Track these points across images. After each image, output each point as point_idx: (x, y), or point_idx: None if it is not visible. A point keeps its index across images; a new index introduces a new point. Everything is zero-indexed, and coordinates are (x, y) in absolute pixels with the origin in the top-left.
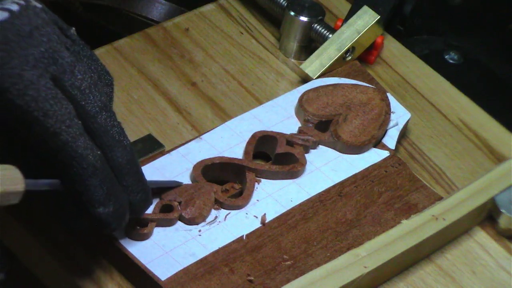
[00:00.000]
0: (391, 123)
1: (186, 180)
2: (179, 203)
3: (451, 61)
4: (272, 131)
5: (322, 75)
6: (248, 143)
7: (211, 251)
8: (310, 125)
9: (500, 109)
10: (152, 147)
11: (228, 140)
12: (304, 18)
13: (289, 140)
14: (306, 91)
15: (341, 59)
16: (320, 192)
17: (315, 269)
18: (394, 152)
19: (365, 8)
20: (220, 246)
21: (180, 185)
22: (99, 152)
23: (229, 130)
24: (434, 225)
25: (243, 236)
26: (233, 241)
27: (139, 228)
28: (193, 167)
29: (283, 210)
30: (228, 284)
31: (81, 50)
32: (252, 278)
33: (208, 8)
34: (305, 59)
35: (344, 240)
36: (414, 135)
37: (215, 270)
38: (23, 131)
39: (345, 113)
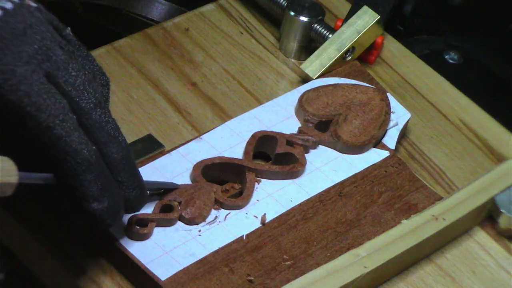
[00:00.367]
0: (391, 123)
1: (186, 180)
2: (179, 203)
3: (451, 61)
4: (272, 131)
5: (322, 75)
6: (248, 143)
7: (211, 251)
8: (310, 125)
9: (500, 109)
10: (152, 147)
11: (228, 140)
12: (304, 18)
13: (289, 140)
14: (306, 91)
15: (341, 59)
16: (320, 192)
17: (315, 269)
18: (394, 152)
19: (365, 8)
20: (220, 246)
21: (177, 188)
22: (94, 147)
23: (229, 130)
24: (434, 225)
25: (243, 236)
26: (233, 241)
27: (139, 228)
28: (193, 167)
29: (283, 210)
30: (228, 284)
31: (76, 50)
32: (252, 278)
33: (208, 8)
34: (305, 59)
35: (344, 240)
36: (414, 135)
37: (215, 270)
38: (17, 127)
39: (345, 113)
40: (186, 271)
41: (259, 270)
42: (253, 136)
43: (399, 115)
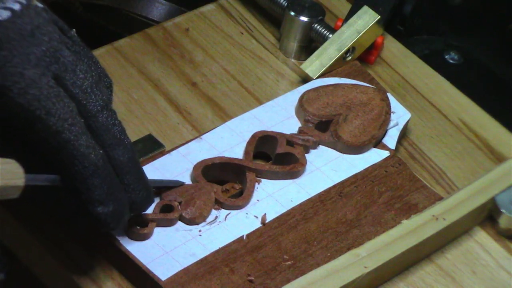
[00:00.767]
0: (391, 123)
1: (186, 180)
2: (180, 203)
3: (451, 61)
4: (272, 131)
5: (322, 75)
6: (248, 143)
7: (211, 251)
8: (310, 125)
9: (500, 109)
10: (152, 147)
11: (228, 140)
12: (304, 18)
13: (289, 140)
14: (306, 91)
15: (341, 59)
16: (320, 192)
17: (315, 269)
18: (394, 152)
19: (365, 8)
20: (221, 246)
21: (182, 185)
22: (101, 151)
23: (229, 130)
24: (434, 225)
25: (243, 236)
26: (234, 241)
27: (139, 228)
28: (193, 167)
29: (283, 210)
30: (228, 284)
31: (82, 50)
32: (252, 278)
33: (208, 8)
34: (305, 59)
35: (344, 240)
36: (414, 135)
37: (215, 270)
38: (25, 129)
39: (345, 113)
40: (186, 271)
41: (260, 270)
42: (253, 136)
43: (399, 115)
